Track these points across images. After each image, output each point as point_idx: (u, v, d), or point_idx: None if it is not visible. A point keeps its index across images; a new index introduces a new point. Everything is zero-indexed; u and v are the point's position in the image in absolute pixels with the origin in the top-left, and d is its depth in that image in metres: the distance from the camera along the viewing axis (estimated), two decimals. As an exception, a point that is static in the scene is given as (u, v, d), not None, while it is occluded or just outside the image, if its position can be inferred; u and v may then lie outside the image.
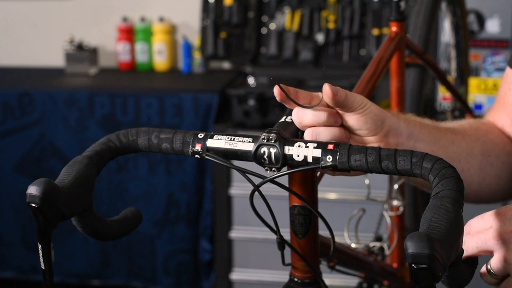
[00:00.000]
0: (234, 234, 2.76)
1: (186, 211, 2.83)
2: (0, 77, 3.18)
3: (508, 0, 2.62)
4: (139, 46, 3.23)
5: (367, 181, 1.32)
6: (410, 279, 0.61)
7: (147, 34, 3.23)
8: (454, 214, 0.64)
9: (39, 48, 3.38)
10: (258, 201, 0.80)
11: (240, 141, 0.78)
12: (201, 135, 0.80)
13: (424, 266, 0.59)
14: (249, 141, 0.78)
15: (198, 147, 0.79)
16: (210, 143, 0.79)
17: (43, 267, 0.75)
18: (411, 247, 0.59)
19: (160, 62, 3.23)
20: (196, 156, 0.80)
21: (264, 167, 0.77)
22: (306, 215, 0.83)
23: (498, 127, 1.08)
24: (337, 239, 0.92)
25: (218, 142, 0.79)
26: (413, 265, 0.60)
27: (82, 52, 3.16)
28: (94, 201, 0.79)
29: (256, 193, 0.79)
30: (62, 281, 2.94)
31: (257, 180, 0.78)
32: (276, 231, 0.82)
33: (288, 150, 0.76)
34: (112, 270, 2.93)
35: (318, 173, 0.90)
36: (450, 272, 0.65)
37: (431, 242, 0.59)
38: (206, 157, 0.79)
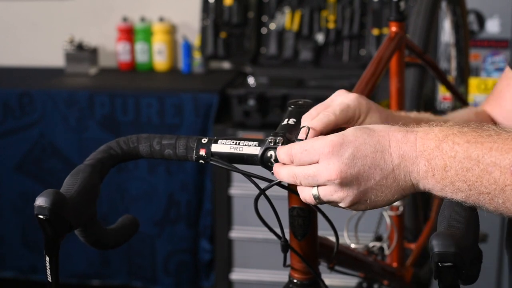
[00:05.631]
0: (234, 234, 2.75)
1: (186, 211, 2.83)
2: (0, 77, 3.18)
3: (508, 0, 2.62)
4: (139, 46, 3.23)
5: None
6: (434, 278, 0.61)
7: (147, 34, 3.23)
8: (470, 212, 0.65)
9: (39, 48, 3.38)
10: (258, 202, 0.80)
11: (245, 145, 0.78)
12: (204, 140, 0.80)
13: (449, 264, 0.60)
14: (255, 145, 0.78)
15: (202, 152, 0.79)
16: (215, 148, 0.79)
17: (50, 280, 0.73)
18: (436, 246, 0.60)
19: (160, 62, 3.23)
20: (201, 161, 0.79)
21: (270, 170, 0.77)
22: (305, 216, 0.83)
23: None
24: (336, 240, 0.92)
25: (223, 146, 0.79)
26: (439, 263, 0.60)
27: (82, 52, 3.16)
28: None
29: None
30: (62, 281, 2.93)
31: (259, 183, 0.78)
32: (281, 235, 0.82)
33: None
34: (112, 270, 2.93)
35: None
36: (469, 269, 0.65)
37: (456, 241, 0.60)
38: (211, 162, 0.79)
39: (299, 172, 0.73)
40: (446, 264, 0.60)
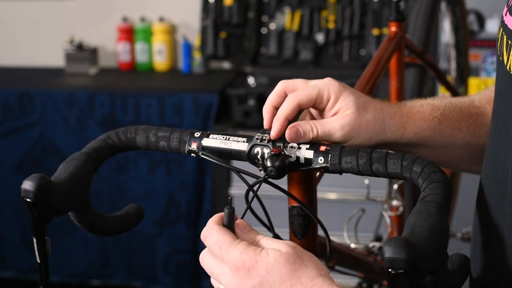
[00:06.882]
0: (234, 234, 2.75)
1: (186, 211, 2.83)
2: (0, 77, 3.18)
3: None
4: (139, 46, 3.23)
5: (366, 181, 1.32)
6: (388, 284, 0.60)
7: (147, 34, 3.23)
8: (438, 219, 0.63)
9: (39, 48, 3.38)
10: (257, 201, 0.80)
11: (234, 140, 0.79)
12: (197, 134, 0.81)
13: (401, 271, 0.58)
14: (243, 141, 0.78)
15: (194, 145, 0.80)
16: (206, 142, 0.80)
17: (39, 261, 0.76)
18: (388, 251, 0.59)
19: (160, 62, 3.23)
20: (192, 154, 0.80)
21: (258, 167, 0.78)
22: (305, 215, 0.83)
23: None
24: (337, 239, 0.92)
25: (214, 141, 0.80)
26: (390, 270, 0.59)
27: (82, 52, 3.16)
28: (93, 201, 0.79)
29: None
30: (62, 281, 2.94)
31: (253, 180, 0.78)
32: (271, 229, 0.82)
33: None
34: (112, 270, 2.93)
35: (318, 173, 0.90)
36: (435, 277, 0.64)
37: (409, 247, 0.58)
38: (202, 155, 0.80)
39: (207, 261, 0.69)
40: (398, 271, 0.58)
